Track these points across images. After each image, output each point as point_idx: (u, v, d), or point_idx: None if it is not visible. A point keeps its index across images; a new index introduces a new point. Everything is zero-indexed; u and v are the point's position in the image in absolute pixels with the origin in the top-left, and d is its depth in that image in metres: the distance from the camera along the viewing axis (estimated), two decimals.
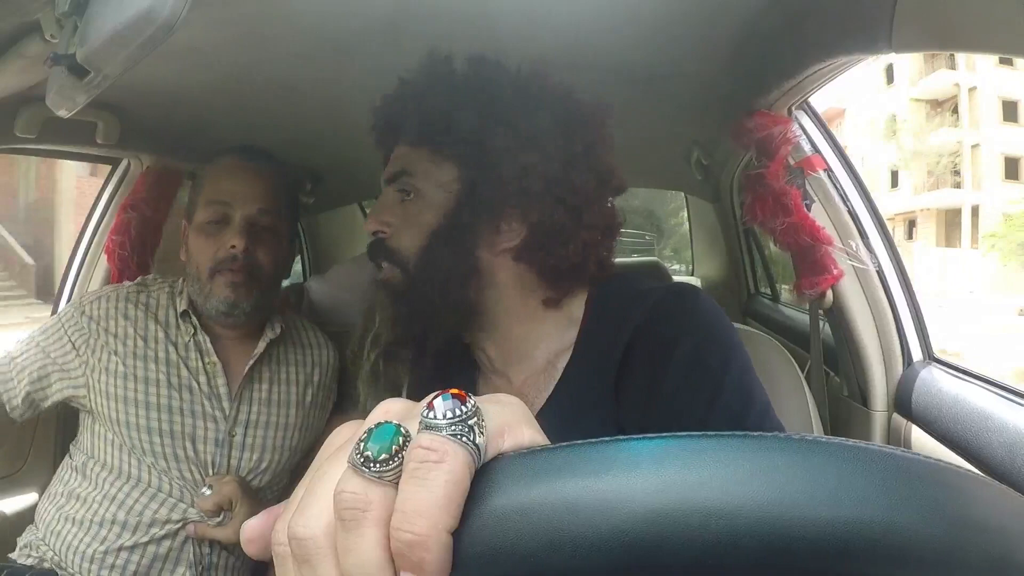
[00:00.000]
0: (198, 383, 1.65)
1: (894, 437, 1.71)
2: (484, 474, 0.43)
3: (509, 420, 0.47)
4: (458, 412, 0.43)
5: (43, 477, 1.91)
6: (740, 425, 0.93)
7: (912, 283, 1.81)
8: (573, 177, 1.08)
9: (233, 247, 1.60)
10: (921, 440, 1.58)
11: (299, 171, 2.83)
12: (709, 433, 0.42)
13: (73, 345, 1.66)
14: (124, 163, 2.20)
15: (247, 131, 2.12)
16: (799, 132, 1.70)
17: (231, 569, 1.67)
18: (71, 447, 1.74)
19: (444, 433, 0.42)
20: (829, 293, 1.75)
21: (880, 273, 1.75)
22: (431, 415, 0.43)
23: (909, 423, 1.65)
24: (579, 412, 1.06)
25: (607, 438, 0.42)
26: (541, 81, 1.13)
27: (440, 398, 0.43)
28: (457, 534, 0.40)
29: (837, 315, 1.80)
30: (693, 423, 0.95)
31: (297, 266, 3.68)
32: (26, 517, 1.75)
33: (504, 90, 1.10)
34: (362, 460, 0.41)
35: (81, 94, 1.05)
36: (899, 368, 1.75)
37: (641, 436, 0.42)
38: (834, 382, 1.97)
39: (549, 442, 0.46)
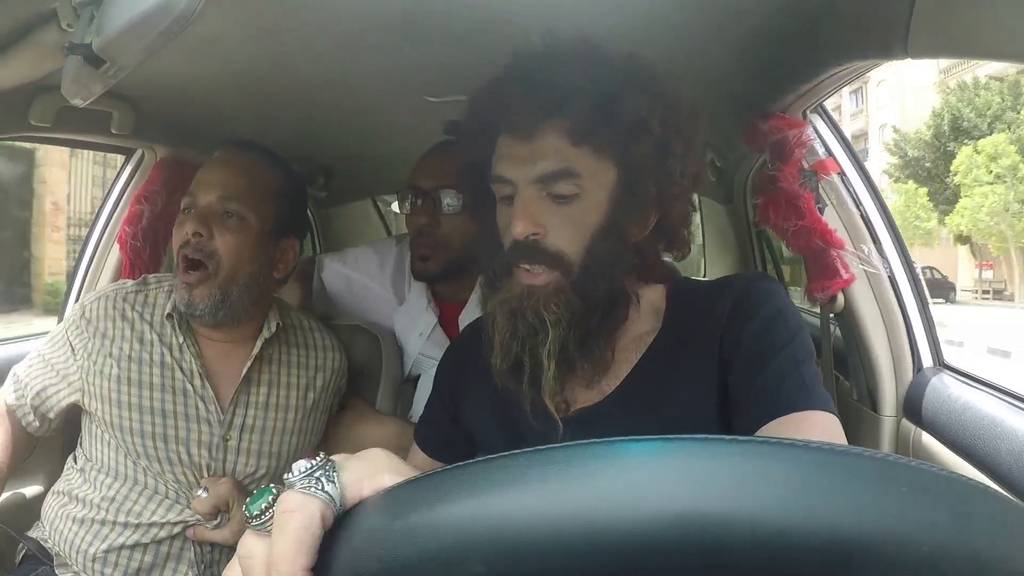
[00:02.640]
0: (192, 386, 1.61)
1: (903, 442, 1.70)
2: (348, 515, 0.54)
3: (369, 470, 0.60)
4: (306, 468, 0.58)
5: (48, 468, 1.93)
6: (799, 373, 1.04)
7: (923, 288, 1.80)
8: (692, 169, 1.14)
9: (187, 233, 1.55)
10: (930, 446, 1.58)
11: (294, 166, 2.83)
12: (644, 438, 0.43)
13: (72, 350, 1.64)
14: (138, 153, 2.21)
15: (261, 125, 2.12)
16: (813, 135, 1.69)
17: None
18: (77, 449, 1.71)
19: (296, 488, 0.56)
20: (840, 297, 1.74)
21: (891, 278, 1.75)
22: (288, 476, 0.58)
23: (918, 429, 1.65)
24: (665, 385, 1.11)
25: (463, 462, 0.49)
26: (653, 71, 1.12)
27: (299, 460, 0.59)
28: (318, 568, 0.52)
29: (848, 319, 1.79)
30: (764, 366, 1.04)
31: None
32: (41, 501, 1.74)
33: (640, 81, 1.09)
34: (247, 517, 0.58)
35: (96, 83, 1.05)
36: (909, 373, 1.75)
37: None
38: (844, 386, 1.96)
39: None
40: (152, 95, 1.75)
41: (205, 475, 1.59)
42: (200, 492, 1.54)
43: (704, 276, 3.96)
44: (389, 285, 2.19)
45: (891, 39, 1.11)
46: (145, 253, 2.20)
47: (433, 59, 1.58)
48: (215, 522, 1.55)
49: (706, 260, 3.92)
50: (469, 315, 1.85)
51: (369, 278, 2.23)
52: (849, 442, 0.88)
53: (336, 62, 1.60)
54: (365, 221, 3.67)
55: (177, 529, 1.56)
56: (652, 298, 1.20)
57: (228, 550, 1.61)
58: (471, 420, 1.33)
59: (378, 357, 2.02)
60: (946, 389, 1.60)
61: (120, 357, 1.59)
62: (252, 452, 1.65)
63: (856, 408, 1.87)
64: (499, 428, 1.25)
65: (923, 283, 1.83)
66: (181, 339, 1.62)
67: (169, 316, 1.62)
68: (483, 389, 1.24)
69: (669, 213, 1.13)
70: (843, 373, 1.97)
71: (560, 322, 1.08)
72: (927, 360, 1.76)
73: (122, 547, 1.55)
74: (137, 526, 1.55)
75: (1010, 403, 1.43)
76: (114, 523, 1.55)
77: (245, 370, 1.65)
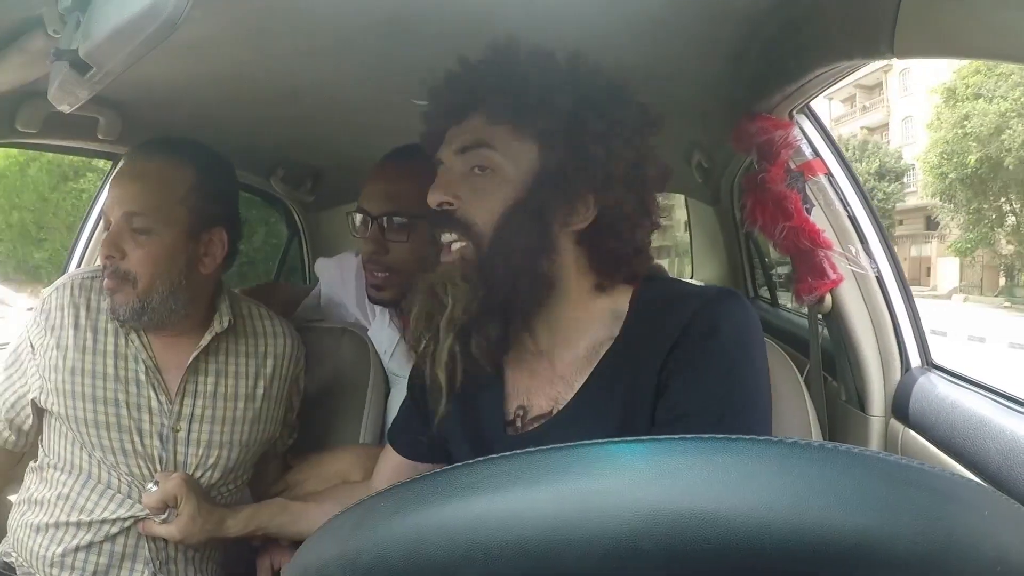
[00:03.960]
0: (145, 376, 1.60)
1: (891, 442, 1.71)
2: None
3: None
4: None
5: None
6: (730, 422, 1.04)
7: (910, 288, 1.81)
8: (646, 167, 1.16)
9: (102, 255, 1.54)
10: (918, 446, 1.58)
11: (281, 170, 2.83)
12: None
13: (32, 347, 1.62)
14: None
15: (247, 129, 2.13)
16: (800, 136, 1.70)
17: (191, 561, 1.65)
18: (38, 450, 1.68)
19: None
20: (828, 298, 1.75)
21: (879, 278, 1.75)
22: None
23: (907, 429, 1.65)
24: (613, 396, 1.11)
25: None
26: (594, 70, 1.17)
27: None
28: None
29: (836, 320, 1.80)
30: (700, 411, 1.05)
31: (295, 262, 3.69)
32: None
33: (584, 77, 1.14)
34: None
35: (83, 89, 1.05)
36: (897, 373, 1.75)
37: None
38: (832, 387, 1.97)
39: None
40: (138, 100, 1.74)
41: (158, 467, 1.58)
42: (150, 486, 1.52)
43: (692, 277, 3.98)
44: (354, 303, 2.20)
45: (877, 39, 1.11)
46: None
47: (421, 62, 1.57)
48: (163, 516, 1.52)
49: (694, 261, 3.94)
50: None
51: (335, 294, 2.26)
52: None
53: (324, 65, 1.60)
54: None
55: (128, 524, 1.56)
56: (615, 304, 1.20)
57: (184, 547, 1.61)
58: (441, 427, 1.33)
59: (366, 359, 2.02)
60: (934, 389, 1.61)
61: (74, 348, 1.58)
62: (203, 443, 1.63)
63: (844, 409, 1.87)
64: (463, 435, 1.28)
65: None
66: (128, 329, 1.60)
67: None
68: (451, 398, 1.25)
69: (607, 205, 1.14)
70: (831, 374, 1.97)
71: (462, 294, 1.11)
72: (915, 360, 1.76)
73: (77, 548, 1.54)
74: (90, 524, 1.54)
75: (999, 402, 1.43)
76: (67, 524, 1.54)
77: (190, 360, 1.62)
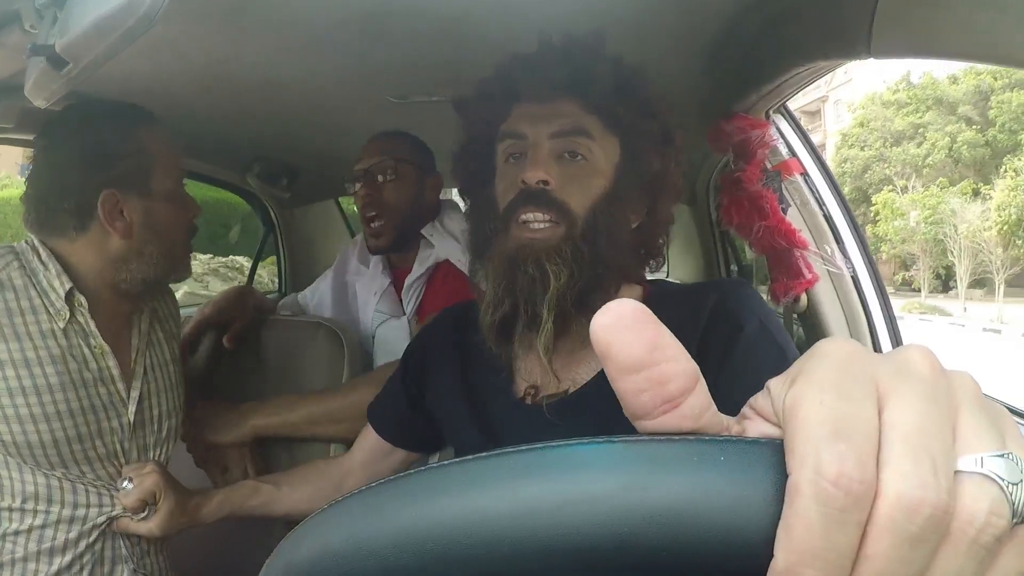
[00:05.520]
0: (90, 372, 1.44)
1: None
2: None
3: None
4: None
5: None
6: None
7: (885, 288, 1.82)
8: (678, 175, 1.21)
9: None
10: None
11: (257, 166, 2.82)
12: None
13: None
14: None
15: (224, 124, 2.11)
16: (776, 136, 1.70)
17: (161, 551, 1.61)
18: None
19: None
20: (803, 297, 1.75)
21: (855, 278, 1.76)
22: None
23: None
24: None
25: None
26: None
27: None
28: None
29: (811, 319, 1.81)
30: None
31: (275, 266, 3.67)
32: None
33: (644, 75, 1.17)
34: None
35: (60, 84, 1.04)
36: None
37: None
38: None
39: None
40: (116, 96, 1.72)
41: (121, 459, 1.50)
42: (125, 484, 1.46)
43: (667, 276, 3.99)
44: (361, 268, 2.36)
45: (854, 39, 1.11)
46: None
47: (398, 59, 1.57)
48: (142, 515, 1.48)
49: (669, 260, 3.95)
50: (414, 275, 2.10)
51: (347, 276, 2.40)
52: None
53: (300, 62, 1.59)
54: (328, 222, 3.65)
55: (103, 526, 1.47)
56: (631, 296, 1.19)
57: (158, 541, 1.57)
58: (437, 404, 1.34)
59: (340, 352, 2.02)
60: None
61: (3, 365, 1.35)
62: (155, 419, 1.56)
63: None
64: (470, 415, 1.26)
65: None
66: (66, 321, 1.41)
67: (71, 292, 1.41)
68: (453, 373, 1.27)
69: (657, 208, 1.18)
70: None
71: (561, 274, 1.09)
72: None
73: (59, 572, 1.42)
74: (64, 546, 1.43)
75: None
76: (38, 552, 1.41)
77: (136, 341, 1.55)
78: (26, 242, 1.44)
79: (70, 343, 1.42)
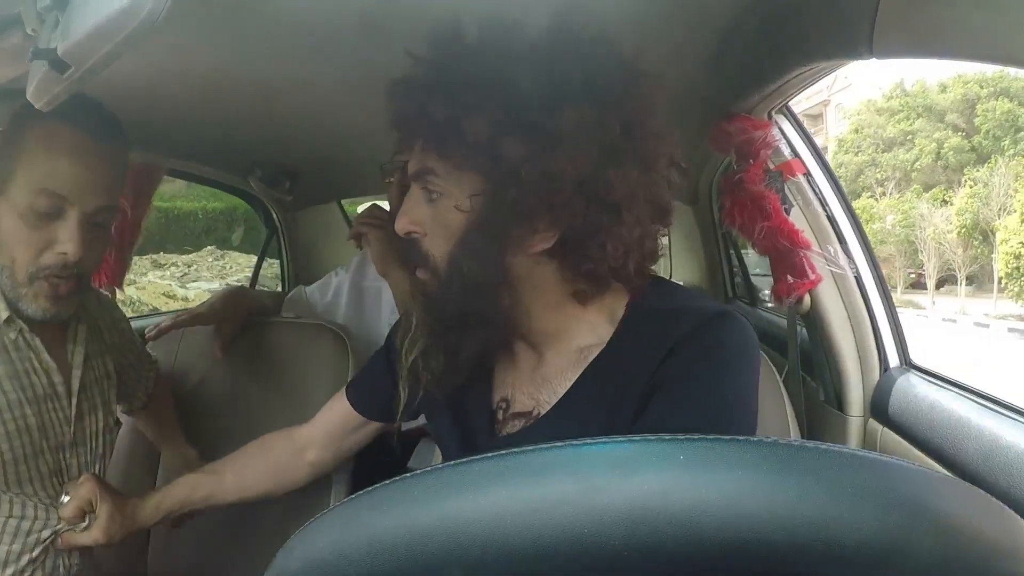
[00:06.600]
0: (41, 388, 1.41)
1: (870, 442, 1.71)
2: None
3: None
4: None
5: None
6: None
7: (888, 288, 1.82)
8: (609, 172, 1.01)
9: (63, 253, 1.33)
10: (897, 446, 1.59)
11: (258, 170, 2.81)
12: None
13: None
14: None
15: (225, 128, 2.11)
16: (779, 136, 1.70)
17: (106, 560, 1.58)
18: None
19: None
20: (807, 298, 1.75)
21: (858, 278, 1.76)
22: None
23: (885, 428, 1.66)
24: (598, 403, 1.07)
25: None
26: (555, 55, 1.03)
27: None
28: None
29: (814, 320, 1.80)
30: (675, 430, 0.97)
31: (276, 268, 3.67)
32: None
33: (513, 76, 1.01)
34: None
35: (61, 88, 1.04)
36: (876, 374, 1.76)
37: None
38: (811, 387, 1.97)
39: None
40: (117, 99, 1.72)
41: (64, 476, 1.47)
42: (63, 499, 1.44)
43: (671, 278, 3.98)
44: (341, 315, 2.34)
45: (856, 39, 1.11)
46: (111, 257, 2.18)
47: (397, 63, 1.57)
48: (83, 524, 1.44)
49: (672, 261, 3.95)
50: None
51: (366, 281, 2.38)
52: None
53: (301, 66, 1.59)
54: (331, 225, 3.65)
55: (46, 542, 1.43)
56: (610, 309, 1.13)
57: (100, 551, 1.54)
58: (424, 400, 1.31)
59: (344, 356, 2.01)
60: (913, 389, 1.61)
61: None
62: (99, 432, 1.54)
63: (823, 408, 1.88)
64: (452, 431, 1.25)
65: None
66: (16, 335, 1.39)
67: (9, 319, 1.38)
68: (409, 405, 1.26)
69: (567, 225, 1.03)
70: (809, 374, 1.98)
71: (422, 324, 1.15)
72: (894, 360, 1.77)
73: None
74: (4, 563, 1.39)
75: (978, 403, 1.44)
76: None
77: (79, 357, 1.50)
78: None
79: (21, 357, 1.39)
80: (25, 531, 1.40)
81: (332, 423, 1.53)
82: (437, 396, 1.21)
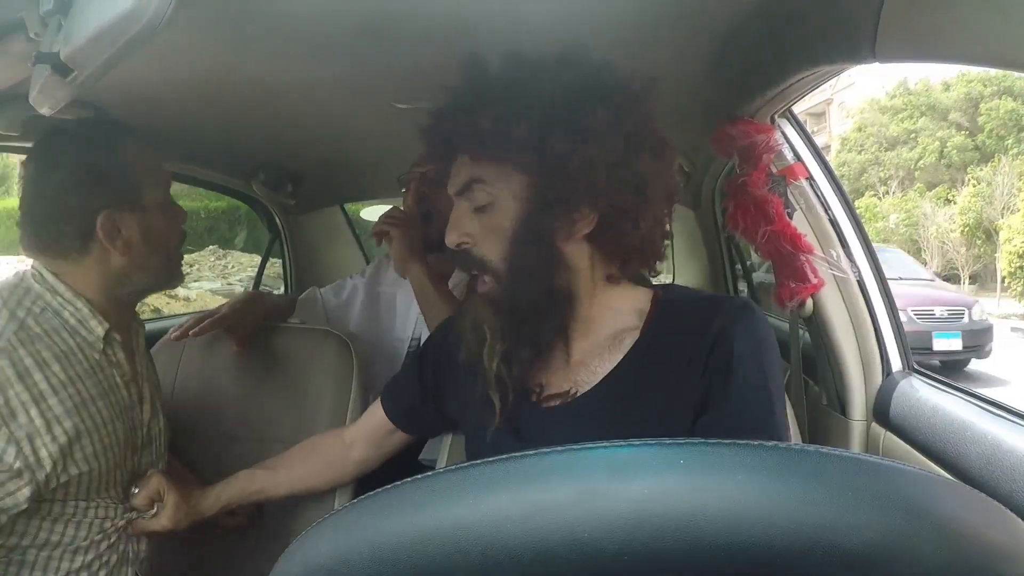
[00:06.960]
0: (124, 400, 1.46)
1: (872, 446, 1.71)
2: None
3: None
4: None
5: None
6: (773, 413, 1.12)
7: (891, 292, 1.82)
8: (631, 157, 1.15)
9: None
10: (899, 450, 1.58)
11: (261, 173, 2.82)
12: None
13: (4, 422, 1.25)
14: None
15: (228, 132, 2.11)
16: (781, 140, 1.70)
17: (149, 559, 1.61)
18: None
19: None
20: (809, 302, 1.75)
21: (860, 282, 1.76)
22: None
23: (888, 433, 1.66)
24: (648, 388, 1.17)
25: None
26: (579, 67, 1.16)
27: None
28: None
29: (817, 324, 1.80)
30: (741, 398, 1.11)
31: (278, 267, 3.68)
32: None
33: (549, 85, 1.13)
34: None
35: (64, 92, 1.04)
36: (878, 377, 1.76)
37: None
38: (813, 391, 1.97)
39: None
40: (120, 103, 1.72)
41: (135, 470, 1.53)
42: (134, 490, 1.53)
43: (673, 281, 3.98)
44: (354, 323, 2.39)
45: (859, 43, 1.11)
46: None
47: (401, 65, 1.57)
48: (152, 512, 1.54)
49: (674, 265, 3.94)
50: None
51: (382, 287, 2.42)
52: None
53: (304, 68, 1.59)
54: (333, 228, 3.66)
55: (120, 528, 1.49)
56: (633, 298, 1.26)
57: (149, 542, 1.60)
58: (455, 398, 1.42)
59: (349, 362, 2.02)
60: (915, 393, 1.61)
61: (51, 391, 1.30)
62: (155, 436, 1.61)
63: (825, 412, 1.88)
64: (488, 410, 1.29)
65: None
66: (100, 350, 1.43)
67: (109, 332, 1.43)
68: (472, 371, 1.29)
69: (605, 208, 1.17)
70: (812, 377, 1.98)
71: (496, 327, 1.21)
72: (896, 364, 1.77)
73: (80, 569, 1.41)
74: (88, 548, 1.42)
75: (981, 407, 1.43)
76: (61, 545, 1.38)
77: (139, 364, 1.57)
78: (31, 272, 1.44)
79: (106, 375, 1.45)
80: (102, 522, 1.46)
81: (372, 425, 1.62)
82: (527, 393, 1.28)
